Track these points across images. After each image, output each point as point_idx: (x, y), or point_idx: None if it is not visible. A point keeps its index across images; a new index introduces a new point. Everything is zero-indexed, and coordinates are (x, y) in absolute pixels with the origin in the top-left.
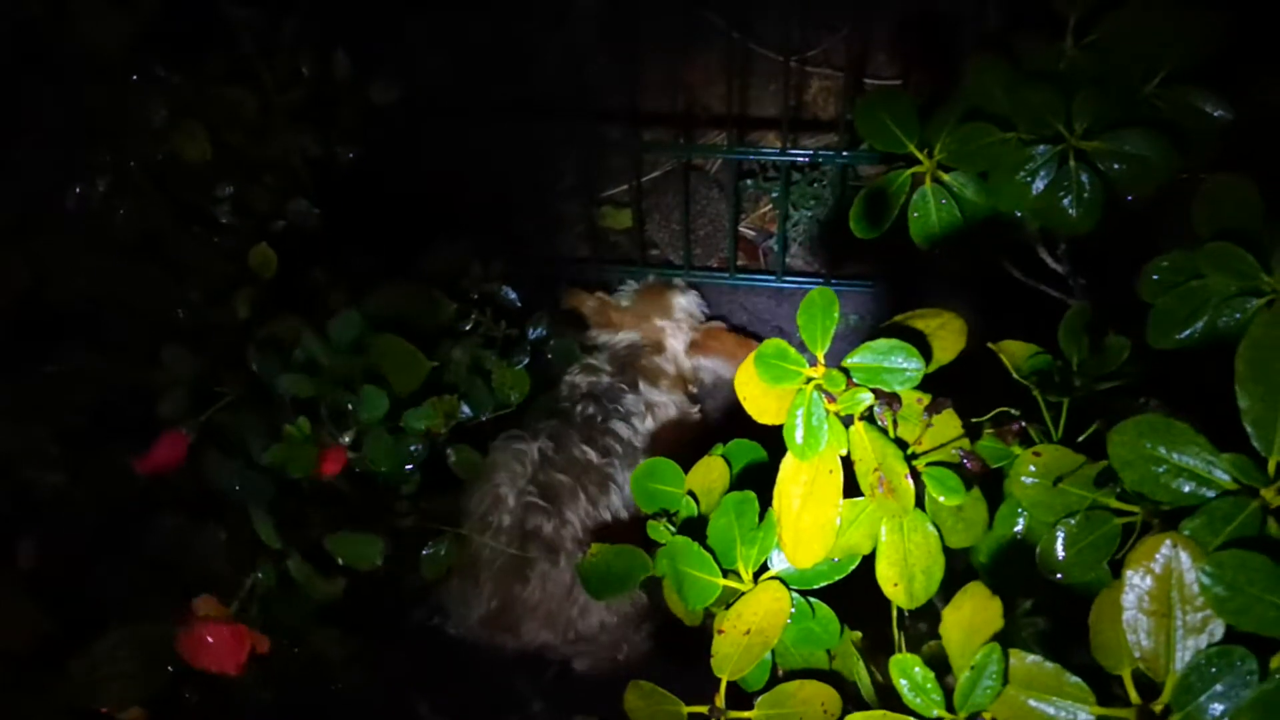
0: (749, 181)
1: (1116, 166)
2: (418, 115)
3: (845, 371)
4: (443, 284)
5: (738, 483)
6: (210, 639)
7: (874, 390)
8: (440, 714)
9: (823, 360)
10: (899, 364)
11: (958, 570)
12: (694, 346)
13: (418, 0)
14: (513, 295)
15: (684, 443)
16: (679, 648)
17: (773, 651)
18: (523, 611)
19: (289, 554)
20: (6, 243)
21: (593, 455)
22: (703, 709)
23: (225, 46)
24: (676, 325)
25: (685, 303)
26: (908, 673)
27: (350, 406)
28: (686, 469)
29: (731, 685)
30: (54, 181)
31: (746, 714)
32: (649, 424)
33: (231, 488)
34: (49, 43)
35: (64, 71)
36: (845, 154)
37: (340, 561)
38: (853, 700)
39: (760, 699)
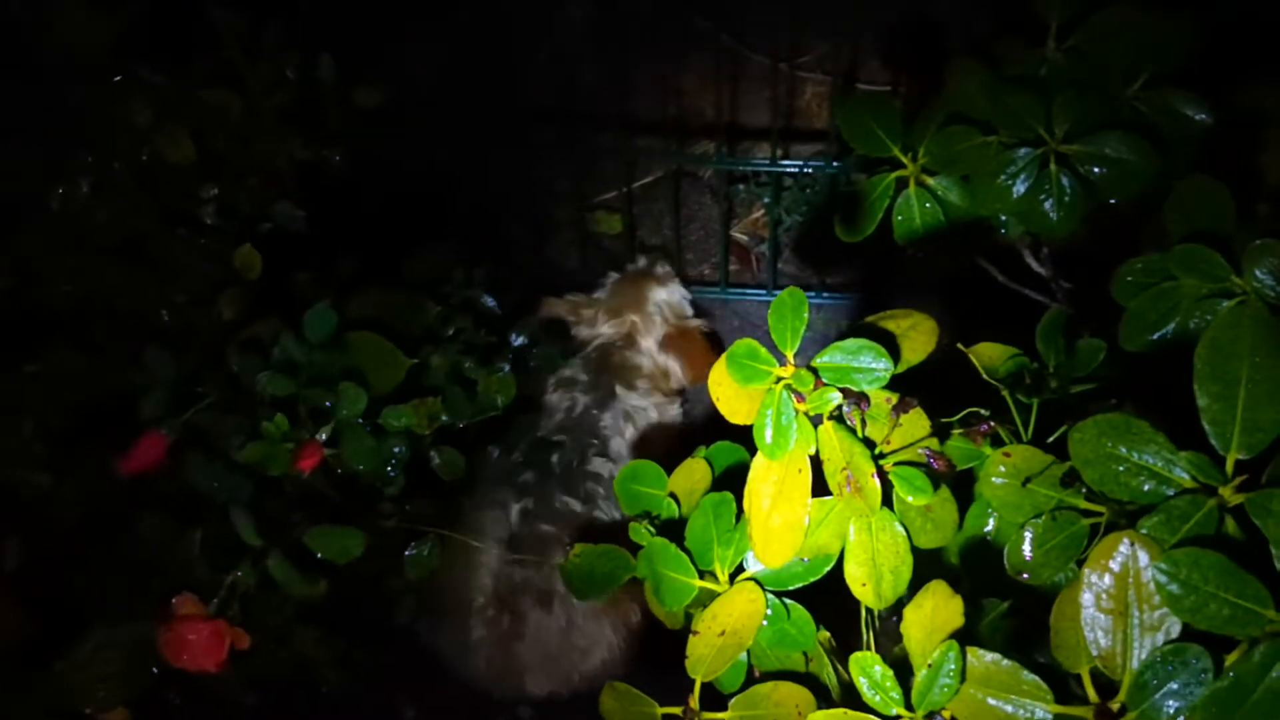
0: (741, 187)
1: (1097, 170)
2: (407, 119)
3: (815, 371)
4: (425, 289)
5: (720, 485)
6: (190, 637)
7: (843, 390)
8: (425, 718)
9: (792, 360)
10: (868, 364)
11: (933, 572)
12: (665, 342)
13: (408, 4)
14: (492, 302)
15: (666, 444)
16: (671, 654)
17: (748, 653)
18: (524, 668)
19: (269, 552)
20: None
21: (575, 505)
22: (677, 710)
23: (209, 49)
24: (649, 319)
25: (664, 295)
26: (867, 671)
27: (329, 404)
28: (670, 468)
29: (708, 687)
30: (38, 183)
31: (721, 715)
32: (630, 433)
33: (211, 487)
34: (31, 44)
35: (46, 73)
36: (836, 163)
37: (320, 555)
38: (828, 702)
39: (734, 700)
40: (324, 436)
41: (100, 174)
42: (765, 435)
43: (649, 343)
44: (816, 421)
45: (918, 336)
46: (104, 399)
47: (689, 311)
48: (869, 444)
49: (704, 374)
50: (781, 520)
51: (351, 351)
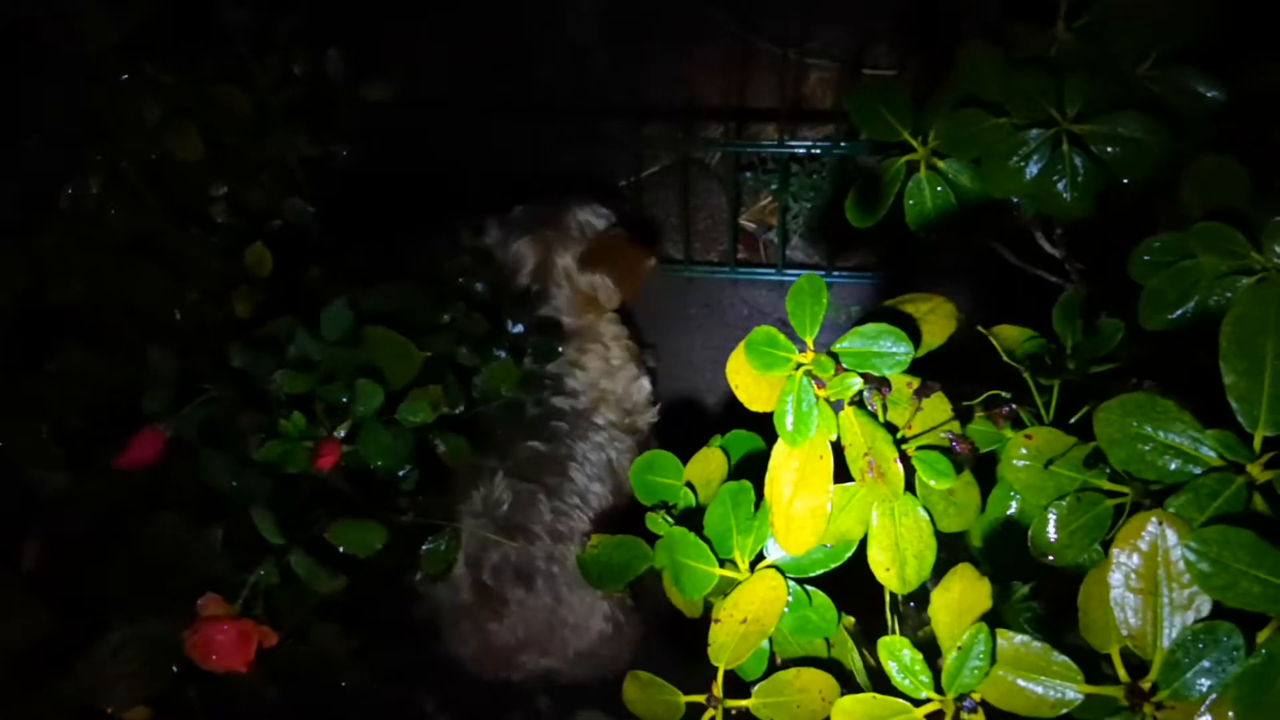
0: (748, 175)
1: (1110, 149)
2: (416, 111)
3: (835, 357)
4: (434, 282)
5: (736, 474)
6: (218, 637)
7: (863, 375)
8: (444, 711)
9: (812, 346)
10: (888, 348)
11: (956, 555)
12: (587, 258)
13: None
14: (481, 289)
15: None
16: (687, 642)
17: (770, 640)
18: (513, 647)
19: (291, 549)
20: (5, 243)
21: (539, 445)
22: (700, 698)
23: (218, 46)
24: (566, 237)
25: (583, 216)
26: (896, 655)
27: (345, 400)
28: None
29: (730, 674)
30: (50, 182)
31: (744, 702)
32: (584, 377)
33: (229, 485)
34: (41, 42)
35: (57, 71)
36: (844, 144)
37: (341, 550)
38: (851, 687)
39: (757, 687)
40: (342, 433)
41: (111, 172)
42: (786, 422)
43: (567, 261)
44: (837, 407)
45: (937, 320)
46: (119, 397)
47: (610, 223)
48: (891, 429)
49: (634, 285)
50: (804, 507)
51: (366, 347)
